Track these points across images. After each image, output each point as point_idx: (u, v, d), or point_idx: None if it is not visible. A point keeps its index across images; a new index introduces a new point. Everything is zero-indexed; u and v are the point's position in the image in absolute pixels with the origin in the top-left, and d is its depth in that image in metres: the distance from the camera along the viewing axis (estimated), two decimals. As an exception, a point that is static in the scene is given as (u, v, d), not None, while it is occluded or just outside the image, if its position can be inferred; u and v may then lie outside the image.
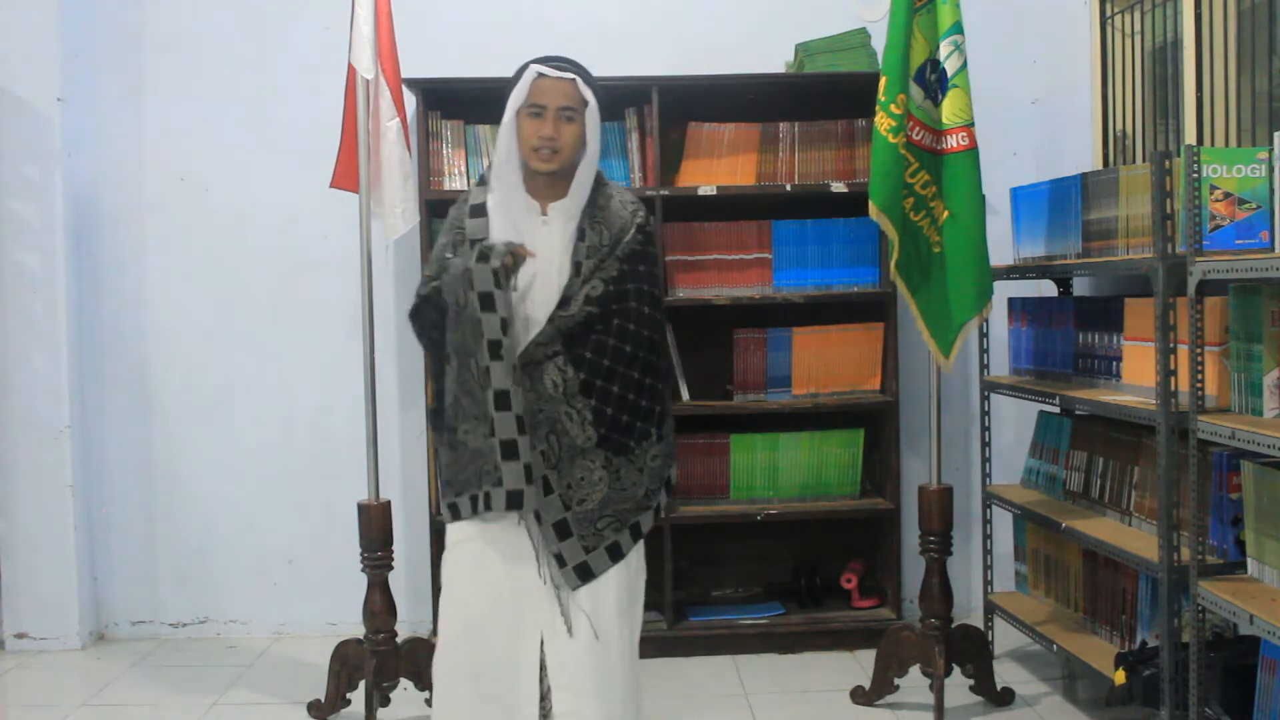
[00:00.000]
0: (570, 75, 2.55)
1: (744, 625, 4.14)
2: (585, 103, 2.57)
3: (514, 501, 2.48)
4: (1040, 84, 4.43)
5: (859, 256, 4.17)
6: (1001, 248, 3.85)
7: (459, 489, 2.58)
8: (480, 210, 2.58)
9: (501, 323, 2.45)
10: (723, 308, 4.16)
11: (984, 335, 3.94)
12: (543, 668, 2.57)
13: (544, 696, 2.57)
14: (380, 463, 3.53)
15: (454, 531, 2.64)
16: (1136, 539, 3.19)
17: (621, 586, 2.60)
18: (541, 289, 2.56)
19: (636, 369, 2.58)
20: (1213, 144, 3.36)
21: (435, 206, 4.10)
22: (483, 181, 2.64)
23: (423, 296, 2.64)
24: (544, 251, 2.56)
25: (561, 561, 2.55)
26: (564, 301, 2.55)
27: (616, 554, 2.58)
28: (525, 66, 2.56)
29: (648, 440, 2.60)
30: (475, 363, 2.48)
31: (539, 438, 2.51)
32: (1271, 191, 2.71)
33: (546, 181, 2.59)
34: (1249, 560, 2.76)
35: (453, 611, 2.62)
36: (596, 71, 4.21)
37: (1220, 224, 2.76)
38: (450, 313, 2.53)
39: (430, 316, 2.63)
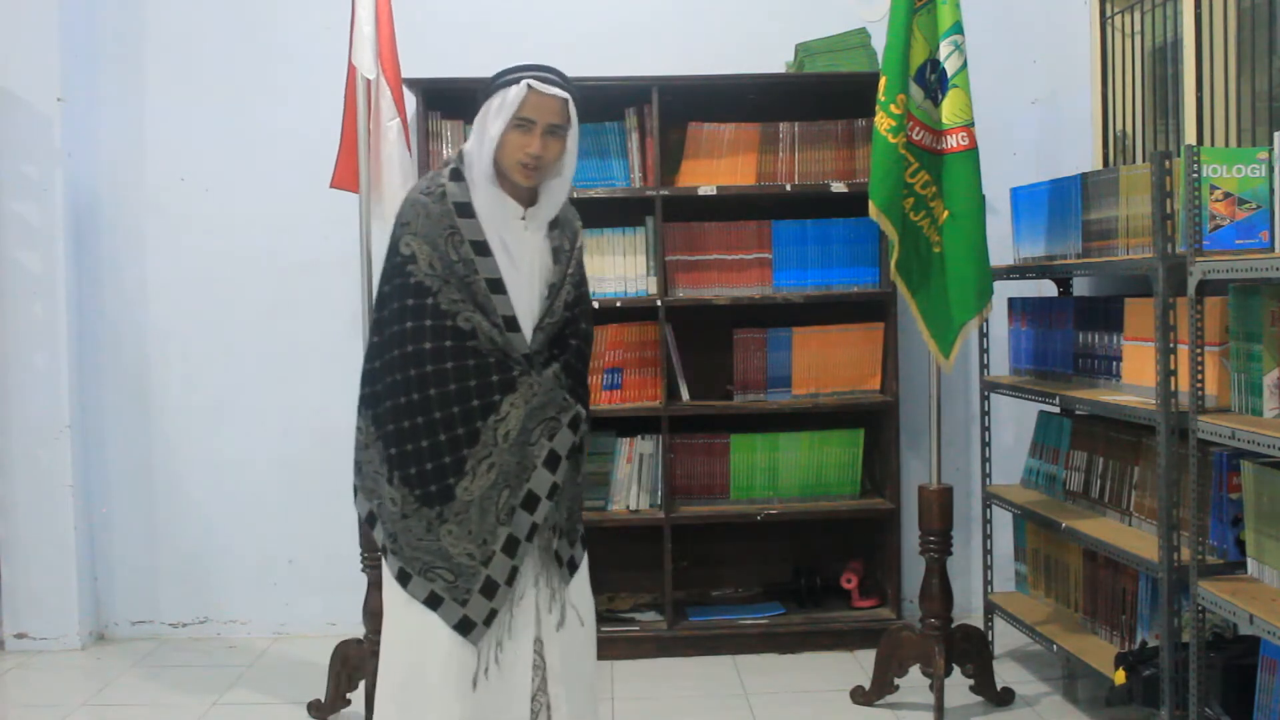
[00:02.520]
0: (562, 94, 2.48)
1: (744, 625, 4.14)
2: (570, 121, 2.51)
3: (464, 627, 2.44)
4: (1040, 84, 4.43)
5: (859, 256, 4.17)
6: (1001, 248, 3.85)
7: (415, 567, 2.48)
8: (468, 210, 2.48)
9: (553, 486, 2.49)
10: (723, 308, 4.16)
11: (984, 335, 3.94)
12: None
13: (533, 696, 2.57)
14: (380, 463, 3.53)
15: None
16: (1136, 539, 3.19)
17: (588, 574, 2.66)
18: (525, 293, 2.52)
19: (588, 372, 2.65)
20: (1213, 144, 3.36)
21: (435, 206, 4.10)
22: (458, 177, 2.51)
23: (475, 350, 2.46)
24: (526, 255, 2.53)
25: (559, 560, 2.55)
26: (549, 308, 2.54)
27: (585, 543, 2.65)
28: (514, 74, 2.47)
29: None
30: (483, 466, 2.44)
31: (537, 447, 2.48)
32: (1271, 191, 2.71)
33: (522, 185, 2.54)
34: (1249, 560, 2.76)
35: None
36: (596, 71, 4.24)
37: (1220, 224, 2.76)
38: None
39: (468, 376, 2.45)
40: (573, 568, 2.58)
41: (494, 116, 2.45)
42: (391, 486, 2.48)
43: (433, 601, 2.46)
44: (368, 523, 2.57)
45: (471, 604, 2.44)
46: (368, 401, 2.56)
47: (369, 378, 2.55)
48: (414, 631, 2.48)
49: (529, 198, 2.54)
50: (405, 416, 2.45)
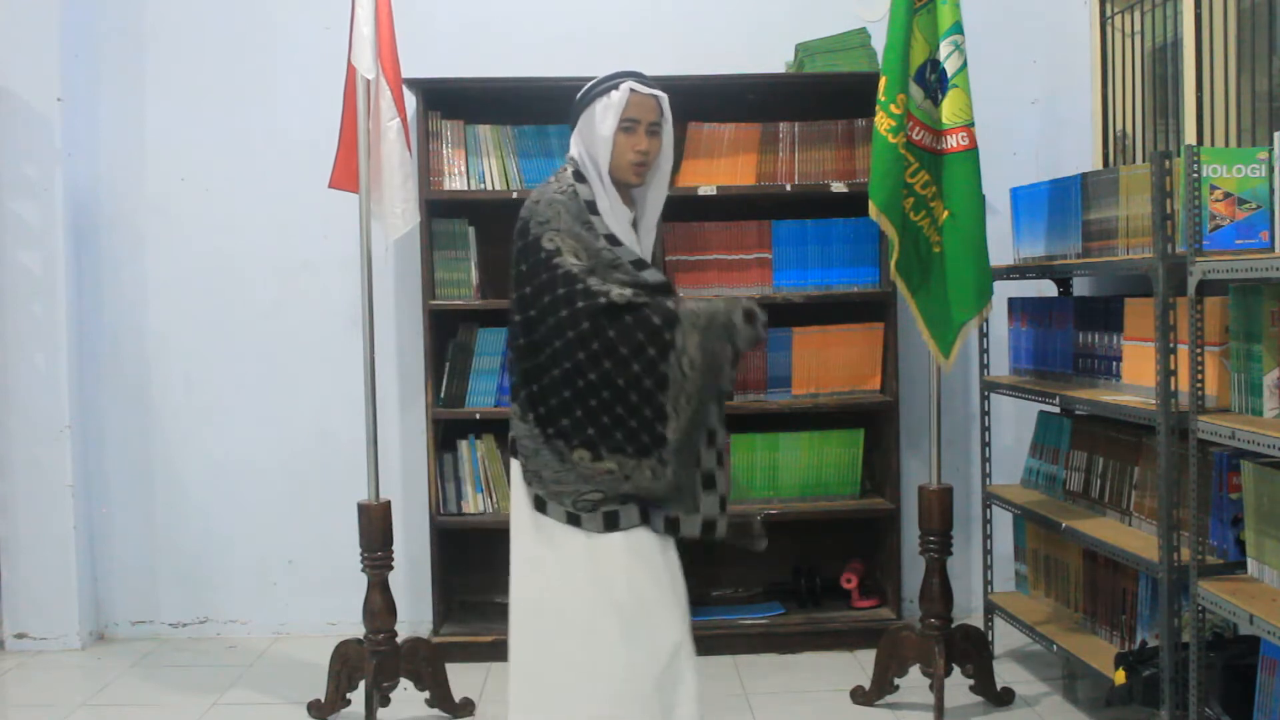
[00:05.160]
0: (657, 92, 2.68)
1: (744, 625, 4.14)
2: (665, 118, 2.69)
3: (709, 529, 2.59)
4: (1040, 84, 4.43)
5: (859, 256, 4.17)
6: (1001, 248, 3.85)
7: (620, 500, 2.57)
8: (595, 208, 2.62)
9: (732, 375, 2.58)
10: (723, 308, 4.15)
11: (984, 335, 3.94)
12: None
13: None
14: (380, 463, 3.53)
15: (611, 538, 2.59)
16: (1136, 539, 3.19)
17: None
18: None
19: None
20: (1213, 144, 3.36)
21: (435, 206, 4.10)
22: (581, 179, 2.64)
23: (629, 305, 2.51)
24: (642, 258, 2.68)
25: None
26: None
27: None
28: (612, 80, 2.65)
29: None
30: (681, 400, 2.50)
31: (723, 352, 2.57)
32: (1271, 191, 2.71)
33: (632, 186, 2.70)
34: (1249, 560, 2.76)
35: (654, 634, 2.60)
36: (596, 71, 4.21)
37: (1220, 224, 2.76)
38: (658, 342, 2.50)
39: (633, 333, 2.51)
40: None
41: (601, 120, 2.62)
42: (602, 460, 2.54)
43: (672, 527, 2.58)
44: (572, 523, 2.58)
45: (704, 503, 2.58)
46: (527, 405, 2.59)
47: (531, 375, 2.58)
48: (624, 580, 2.57)
49: (631, 200, 2.70)
50: (590, 396, 2.52)
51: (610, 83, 2.65)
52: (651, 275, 2.61)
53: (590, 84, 2.69)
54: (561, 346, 2.51)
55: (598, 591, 2.58)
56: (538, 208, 2.61)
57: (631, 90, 2.63)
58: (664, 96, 2.69)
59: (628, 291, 2.53)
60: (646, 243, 2.73)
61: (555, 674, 2.61)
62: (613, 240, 2.60)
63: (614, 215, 2.63)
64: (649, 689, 2.56)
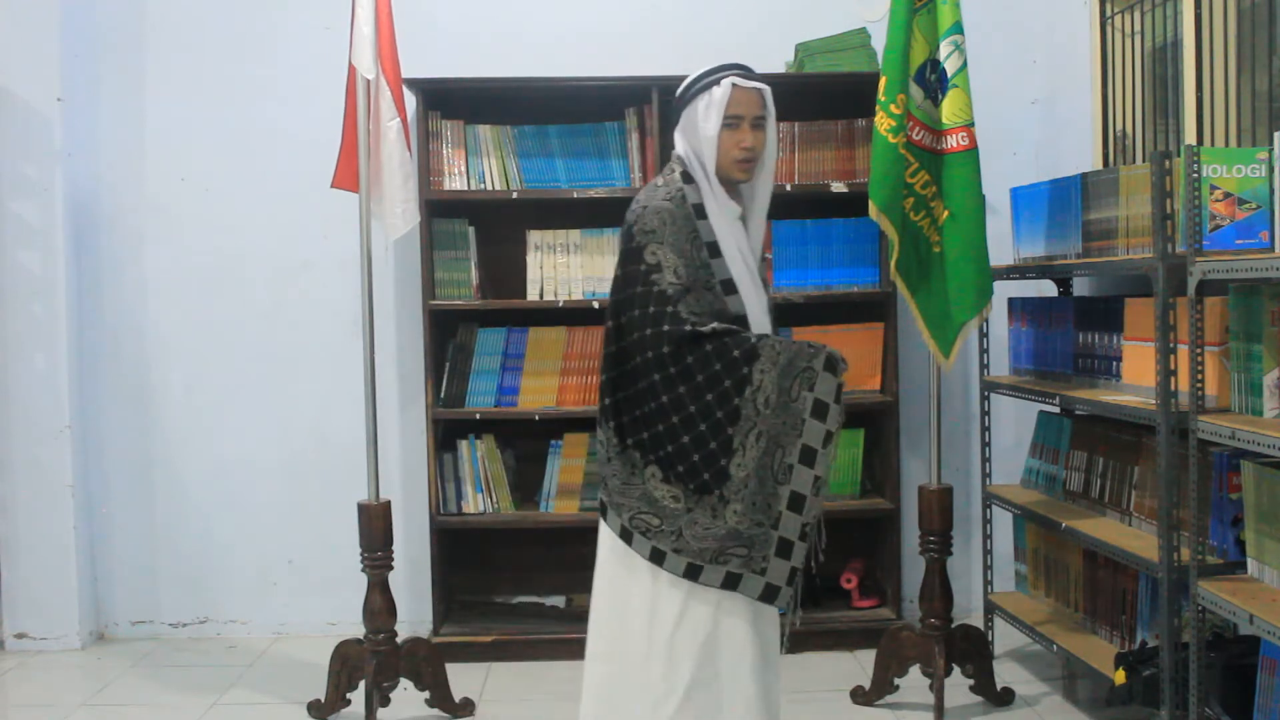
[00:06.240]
0: (761, 86, 2.61)
1: (744, 625, 4.13)
2: (770, 112, 2.63)
3: (769, 595, 2.49)
4: (1040, 84, 4.43)
5: (859, 256, 4.17)
6: (1001, 248, 3.85)
7: (705, 557, 2.49)
8: (702, 212, 2.58)
9: (827, 435, 2.47)
10: (723, 308, 4.16)
11: (984, 335, 3.94)
12: None
13: None
14: (380, 463, 3.53)
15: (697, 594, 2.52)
16: (1136, 539, 3.19)
17: None
18: (753, 288, 2.63)
19: None
20: (1213, 144, 3.36)
21: (435, 206, 4.10)
22: (689, 180, 2.61)
23: (712, 334, 2.47)
24: (745, 255, 2.63)
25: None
26: (769, 303, 2.68)
27: None
28: (713, 76, 2.59)
29: None
30: (751, 437, 2.45)
31: (800, 402, 2.49)
32: (1271, 191, 2.71)
33: (739, 182, 2.66)
34: (1249, 560, 2.76)
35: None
36: (596, 71, 4.23)
37: (1220, 224, 2.76)
38: (745, 382, 2.46)
39: (711, 363, 2.47)
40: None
41: (704, 118, 2.58)
42: (669, 485, 2.50)
43: (731, 582, 2.49)
44: (623, 538, 2.54)
45: (771, 570, 2.47)
46: (609, 412, 2.56)
47: (609, 387, 2.56)
48: (703, 634, 2.52)
49: (736, 197, 2.66)
50: (660, 419, 2.48)
51: (711, 78, 2.59)
52: (735, 304, 2.56)
53: (691, 80, 2.64)
54: (642, 363, 2.49)
55: (637, 607, 2.55)
56: (645, 214, 2.56)
57: (734, 85, 2.56)
58: (768, 90, 2.61)
59: (714, 325, 2.50)
60: (756, 237, 2.69)
61: (602, 680, 2.61)
62: (714, 250, 2.56)
63: (721, 216, 2.59)
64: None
